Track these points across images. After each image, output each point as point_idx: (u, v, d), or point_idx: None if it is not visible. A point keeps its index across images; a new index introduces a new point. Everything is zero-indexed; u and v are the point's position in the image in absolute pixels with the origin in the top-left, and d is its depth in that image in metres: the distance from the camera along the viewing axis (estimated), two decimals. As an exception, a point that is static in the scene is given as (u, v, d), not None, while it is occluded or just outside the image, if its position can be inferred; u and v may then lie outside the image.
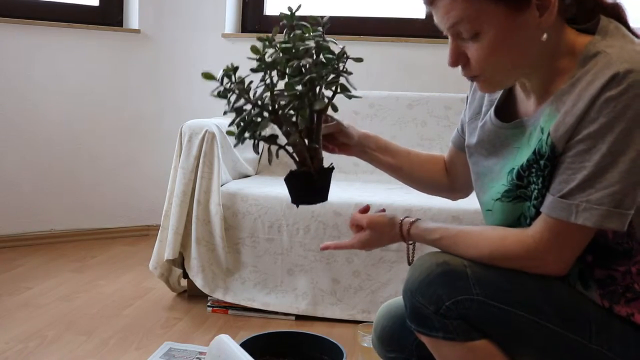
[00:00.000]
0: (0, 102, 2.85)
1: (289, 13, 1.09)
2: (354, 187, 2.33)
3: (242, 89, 1.05)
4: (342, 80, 1.06)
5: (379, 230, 1.10)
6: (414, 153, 1.28)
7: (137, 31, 3.10)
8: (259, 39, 1.07)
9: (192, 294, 2.25)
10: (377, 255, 2.04)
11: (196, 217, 2.12)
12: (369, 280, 2.06)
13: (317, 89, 1.04)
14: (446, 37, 0.96)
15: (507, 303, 0.94)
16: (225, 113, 1.09)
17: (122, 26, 3.14)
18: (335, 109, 1.11)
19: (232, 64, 1.08)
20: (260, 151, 1.10)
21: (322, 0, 3.13)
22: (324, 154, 1.12)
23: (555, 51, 0.93)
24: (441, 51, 1.05)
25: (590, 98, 0.85)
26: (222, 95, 1.07)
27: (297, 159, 1.07)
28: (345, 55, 1.05)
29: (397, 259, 2.03)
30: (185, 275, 2.20)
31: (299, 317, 2.10)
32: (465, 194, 1.28)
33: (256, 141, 1.08)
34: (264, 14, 3.17)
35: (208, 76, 1.09)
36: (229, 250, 2.15)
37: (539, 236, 0.91)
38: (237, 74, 1.07)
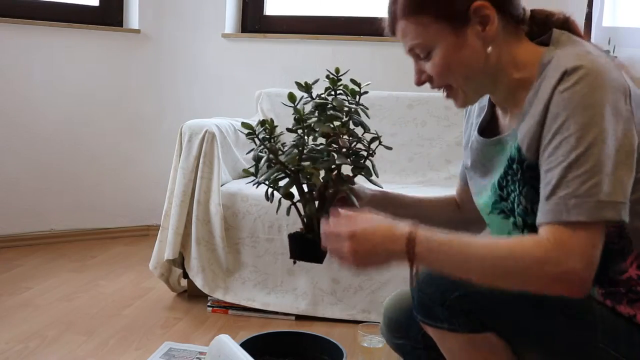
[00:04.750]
0: (0, 102, 2.85)
1: (333, 75, 1.18)
2: (354, 187, 2.33)
3: (273, 148, 1.14)
4: (367, 163, 1.15)
5: (367, 238, 0.92)
6: (425, 200, 1.29)
7: (137, 31, 3.10)
8: (297, 84, 1.18)
9: (192, 294, 2.25)
10: (377, 255, 2.04)
11: (196, 217, 2.12)
12: (369, 280, 2.06)
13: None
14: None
15: (514, 299, 0.93)
16: (251, 151, 1.19)
17: (122, 26, 3.14)
18: (352, 182, 1.18)
19: (271, 120, 1.16)
20: (271, 200, 1.17)
21: (323, 0, 3.13)
22: None
23: (511, 64, 0.97)
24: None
25: (546, 98, 0.88)
26: (251, 139, 1.16)
27: (306, 221, 1.16)
28: (379, 142, 1.15)
29: (397, 259, 2.03)
30: (185, 275, 2.20)
31: (299, 317, 2.10)
32: (482, 226, 1.23)
33: (272, 190, 1.16)
34: (264, 14, 3.17)
35: (247, 125, 1.17)
36: (229, 250, 2.15)
37: (553, 240, 0.84)
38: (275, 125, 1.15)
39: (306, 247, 1.17)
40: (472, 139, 1.12)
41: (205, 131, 2.15)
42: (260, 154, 1.16)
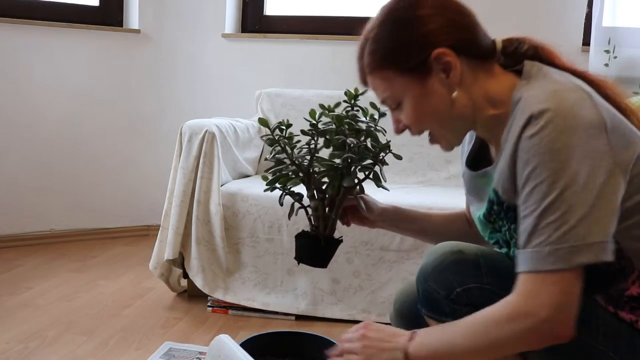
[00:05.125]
0: (0, 102, 2.85)
1: (352, 92, 1.21)
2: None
3: (287, 144, 1.18)
4: (376, 168, 1.19)
5: (377, 333, 1.00)
6: (435, 215, 1.31)
7: (137, 31, 3.10)
8: (321, 107, 1.21)
9: (192, 294, 2.25)
10: (377, 255, 2.04)
11: (196, 217, 2.12)
12: (369, 280, 2.06)
13: (352, 168, 1.16)
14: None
15: None
16: (266, 159, 1.23)
17: (122, 26, 3.14)
18: (362, 191, 1.22)
19: (287, 120, 1.21)
20: (283, 203, 1.21)
21: (323, 0, 3.12)
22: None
23: (486, 101, 0.97)
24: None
25: (513, 142, 0.88)
26: (269, 143, 1.20)
27: (313, 222, 1.19)
28: (388, 149, 1.18)
29: (397, 259, 2.03)
30: (185, 275, 2.20)
31: (299, 317, 2.10)
32: None
33: (283, 193, 1.20)
34: (264, 14, 3.17)
35: (263, 122, 1.23)
36: (229, 250, 2.15)
37: (524, 293, 0.85)
38: (290, 130, 1.20)
39: (312, 248, 1.20)
40: (463, 168, 1.14)
41: (205, 131, 2.15)
42: (278, 155, 1.19)
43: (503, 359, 0.95)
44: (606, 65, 2.59)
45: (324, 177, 1.17)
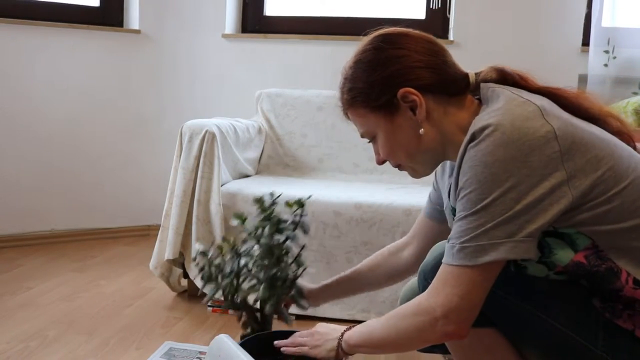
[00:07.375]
0: (1, 102, 2.86)
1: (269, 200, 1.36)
2: (354, 187, 2.33)
3: (211, 277, 1.35)
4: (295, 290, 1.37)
5: (325, 329, 1.17)
6: (361, 270, 1.42)
7: (138, 31, 3.10)
8: (256, 201, 1.37)
9: (192, 294, 2.25)
10: (377, 255, 2.05)
11: (196, 217, 2.13)
12: (369, 280, 2.07)
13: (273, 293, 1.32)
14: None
15: (516, 295, 0.96)
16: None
17: (122, 26, 3.14)
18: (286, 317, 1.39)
19: (234, 240, 1.38)
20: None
21: (323, 0, 3.13)
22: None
23: (458, 131, 1.00)
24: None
25: (459, 159, 0.93)
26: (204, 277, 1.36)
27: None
28: (304, 268, 1.36)
29: (397, 259, 2.03)
30: (186, 275, 2.20)
31: (299, 317, 2.10)
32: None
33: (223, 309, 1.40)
34: (264, 14, 3.17)
35: (238, 216, 1.37)
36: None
37: (430, 289, 0.92)
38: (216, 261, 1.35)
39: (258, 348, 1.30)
40: (446, 201, 1.17)
41: (206, 131, 2.15)
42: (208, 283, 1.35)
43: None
44: (605, 65, 2.59)
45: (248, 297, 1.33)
